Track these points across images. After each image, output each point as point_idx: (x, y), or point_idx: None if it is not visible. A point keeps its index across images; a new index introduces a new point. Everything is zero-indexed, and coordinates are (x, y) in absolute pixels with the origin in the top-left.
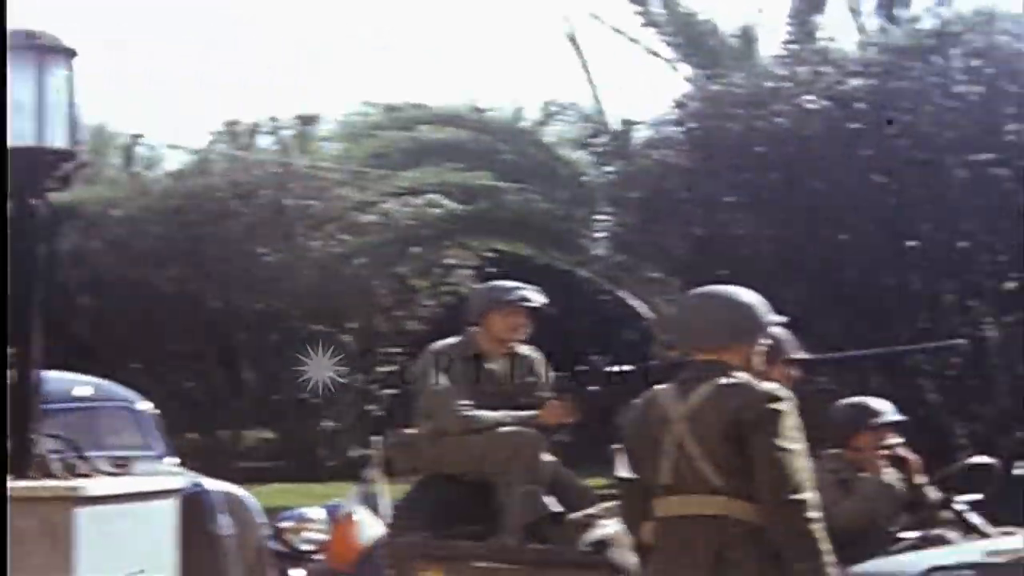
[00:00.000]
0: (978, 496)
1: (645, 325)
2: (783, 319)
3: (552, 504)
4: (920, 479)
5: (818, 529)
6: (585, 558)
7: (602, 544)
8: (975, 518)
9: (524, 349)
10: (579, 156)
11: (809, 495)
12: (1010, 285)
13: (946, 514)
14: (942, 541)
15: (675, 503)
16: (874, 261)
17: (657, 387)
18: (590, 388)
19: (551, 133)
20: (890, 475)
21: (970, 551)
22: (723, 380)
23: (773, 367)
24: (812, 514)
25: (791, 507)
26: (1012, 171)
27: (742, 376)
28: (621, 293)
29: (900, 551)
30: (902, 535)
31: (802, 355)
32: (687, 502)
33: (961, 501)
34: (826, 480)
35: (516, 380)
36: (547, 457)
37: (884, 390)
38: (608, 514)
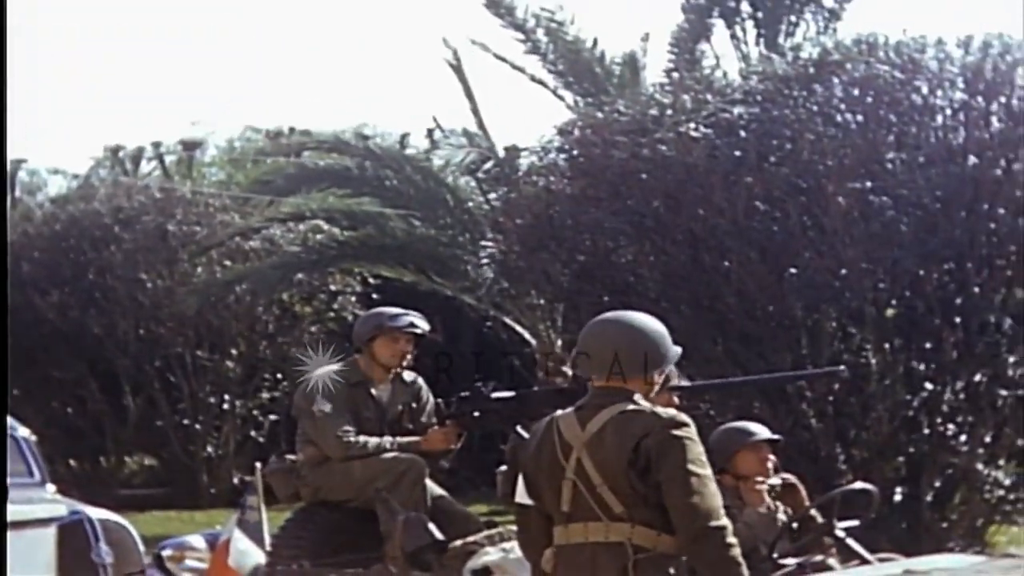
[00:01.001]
0: (856, 522)
1: (529, 351)
2: (680, 349)
3: (435, 531)
4: (805, 505)
5: (738, 555)
6: None
7: (485, 571)
8: (854, 544)
9: (408, 375)
10: (464, 183)
11: (725, 521)
12: (890, 312)
13: (827, 540)
14: (823, 568)
15: (576, 530)
16: (756, 288)
17: (557, 413)
18: (473, 414)
19: (436, 159)
20: (770, 502)
21: None
22: (625, 407)
23: (658, 395)
24: (731, 539)
25: (712, 535)
26: (892, 199)
27: (644, 404)
28: (506, 319)
29: None
30: (783, 561)
31: (685, 382)
32: (588, 529)
33: (841, 527)
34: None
35: (399, 406)
36: (430, 484)
37: (766, 416)
38: (491, 541)
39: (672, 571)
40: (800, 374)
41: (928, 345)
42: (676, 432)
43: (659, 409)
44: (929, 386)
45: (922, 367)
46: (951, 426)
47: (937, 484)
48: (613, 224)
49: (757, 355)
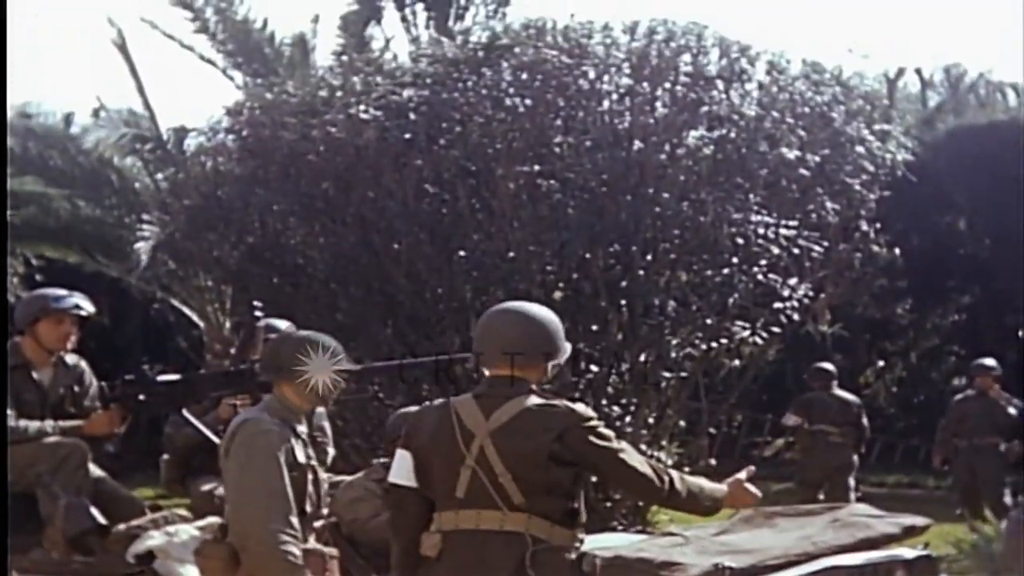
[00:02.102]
0: None
1: (197, 334)
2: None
3: (97, 515)
4: None
5: (685, 481)
6: (130, 570)
7: (149, 555)
8: None
9: (71, 358)
10: (131, 163)
11: (669, 472)
12: (557, 294)
13: None
14: None
15: (467, 517)
16: (425, 270)
17: (453, 399)
18: (138, 398)
19: (101, 139)
20: None
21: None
22: (534, 400)
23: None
24: (678, 484)
25: (672, 485)
26: (559, 183)
27: (555, 399)
28: (173, 301)
29: None
30: None
31: (353, 365)
32: (481, 517)
33: None
34: (368, 491)
35: (62, 390)
36: (93, 468)
37: (435, 398)
38: (155, 525)
39: (568, 560)
40: (468, 355)
41: (594, 327)
42: (591, 424)
43: (569, 404)
44: (595, 368)
45: (588, 349)
46: (616, 408)
47: None
48: (283, 205)
49: (426, 337)
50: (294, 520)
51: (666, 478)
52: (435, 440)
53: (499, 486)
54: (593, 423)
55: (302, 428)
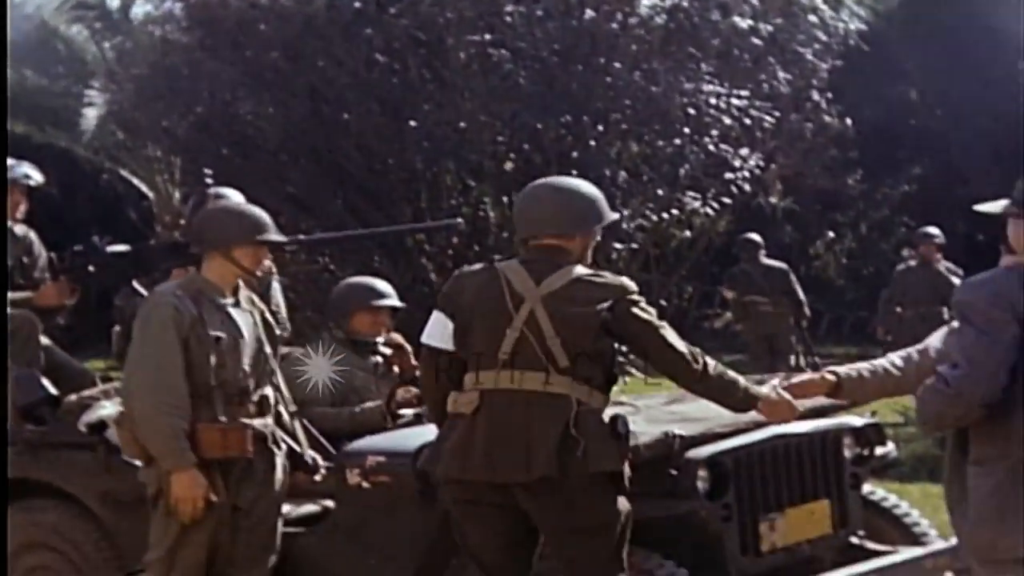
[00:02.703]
0: None
1: (147, 205)
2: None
3: (48, 386)
4: (413, 364)
5: (732, 375)
6: (82, 439)
7: (100, 425)
8: None
9: (19, 229)
10: (77, 31)
11: (699, 353)
12: (509, 165)
13: None
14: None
15: (511, 377)
16: (376, 141)
17: (500, 264)
18: (88, 269)
19: (46, 7)
20: (380, 359)
21: None
22: (582, 270)
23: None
24: (712, 370)
25: (707, 370)
26: (511, 53)
27: (606, 273)
28: (123, 172)
29: (397, 428)
30: (400, 411)
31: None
32: (524, 378)
33: None
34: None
35: (11, 261)
36: (44, 340)
37: (386, 270)
38: (106, 395)
39: (606, 423)
40: (418, 226)
41: None
42: (636, 298)
43: (617, 277)
44: None
45: None
46: None
47: None
48: (231, 75)
49: (377, 208)
50: (181, 392)
51: (701, 361)
52: (481, 301)
53: (547, 349)
54: (637, 297)
55: (226, 301)
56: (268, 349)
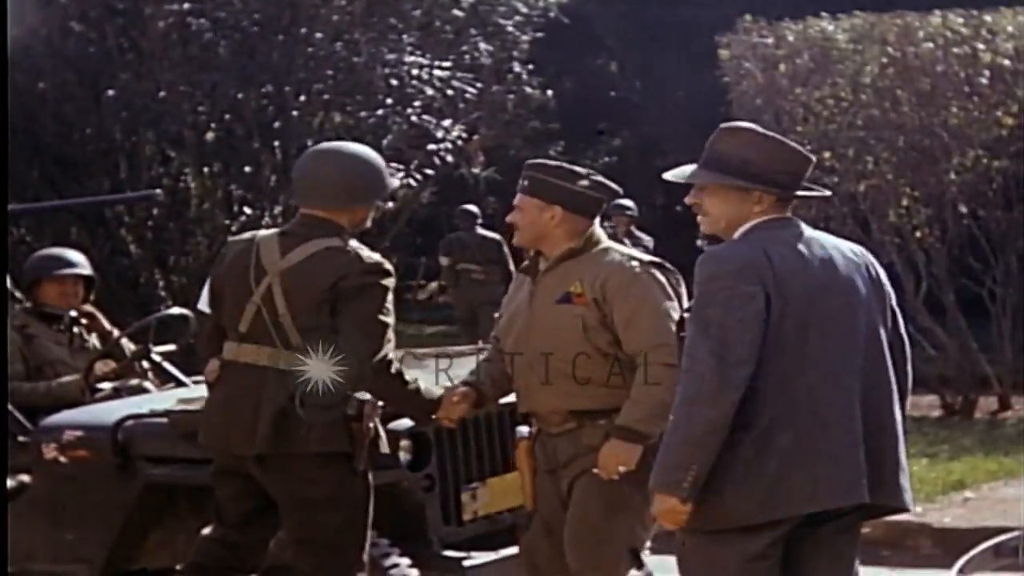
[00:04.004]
0: (172, 347)
1: None
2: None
3: None
4: (112, 331)
5: (409, 382)
6: None
7: None
8: (171, 368)
9: None
10: None
11: (390, 357)
12: (209, 136)
13: (144, 364)
14: (140, 390)
15: (248, 351)
16: (73, 111)
17: (260, 234)
18: None
19: None
20: (77, 332)
21: (164, 399)
22: (330, 243)
23: None
24: (395, 368)
25: (382, 367)
26: (210, 22)
27: (352, 243)
28: None
29: (97, 401)
30: (100, 385)
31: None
32: (261, 353)
33: (158, 352)
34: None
35: None
36: None
37: (84, 242)
38: None
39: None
40: (116, 198)
41: (247, 169)
42: (370, 279)
43: (364, 251)
44: (248, 211)
45: (241, 192)
46: None
47: None
48: None
49: (74, 179)
50: None
51: (379, 359)
52: (230, 272)
53: (279, 325)
54: (373, 278)
55: None
56: None
